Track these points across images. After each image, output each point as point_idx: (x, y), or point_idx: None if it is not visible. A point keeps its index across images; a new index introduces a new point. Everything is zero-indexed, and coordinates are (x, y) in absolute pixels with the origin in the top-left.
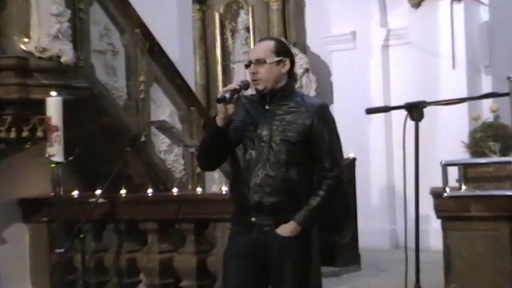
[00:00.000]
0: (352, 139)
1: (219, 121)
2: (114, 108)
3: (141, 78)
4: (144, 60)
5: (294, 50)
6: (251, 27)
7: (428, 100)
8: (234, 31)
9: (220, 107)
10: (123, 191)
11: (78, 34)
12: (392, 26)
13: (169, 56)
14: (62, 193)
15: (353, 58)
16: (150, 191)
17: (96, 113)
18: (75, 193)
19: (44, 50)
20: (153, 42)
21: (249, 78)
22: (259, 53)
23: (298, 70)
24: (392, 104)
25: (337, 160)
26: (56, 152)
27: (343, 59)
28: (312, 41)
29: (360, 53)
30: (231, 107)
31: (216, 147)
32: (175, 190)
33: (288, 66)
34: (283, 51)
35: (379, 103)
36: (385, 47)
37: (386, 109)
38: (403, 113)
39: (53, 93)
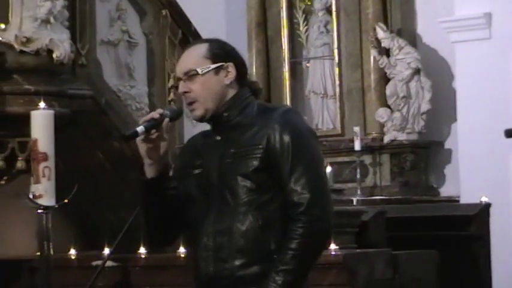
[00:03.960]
0: (485, 176)
1: (148, 170)
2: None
3: (171, 83)
4: (174, 56)
5: (399, 42)
6: (334, 7)
7: None
8: (308, 13)
9: (140, 148)
10: (142, 250)
11: (79, 17)
12: None
13: None
14: (51, 252)
15: (487, 53)
16: (183, 250)
17: (103, 134)
18: (72, 252)
19: (28, 40)
20: (189, 29)
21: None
22: (186, 63)
23: (405, 71)
24: None
25: (309, 188)
26: (44, 191)
27: (472, 54)
28: (426, 27)
29: (497, 45)
30: (154, 147)
31: (156, 211)
32: None
33: (233, 72)
34: (222, 53)
35: None
36: None
37: None
38: None
39: (41, 104)
